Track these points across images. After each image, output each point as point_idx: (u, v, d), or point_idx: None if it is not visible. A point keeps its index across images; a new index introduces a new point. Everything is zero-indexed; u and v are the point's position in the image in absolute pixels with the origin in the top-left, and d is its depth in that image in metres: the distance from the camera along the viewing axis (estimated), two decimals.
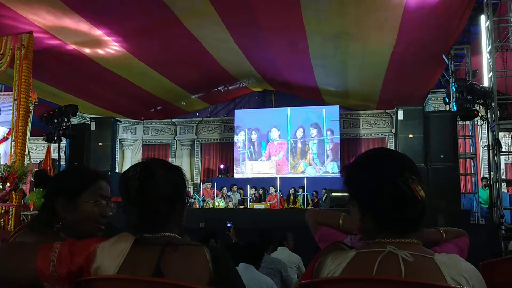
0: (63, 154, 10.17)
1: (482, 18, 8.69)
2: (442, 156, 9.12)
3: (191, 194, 11.95)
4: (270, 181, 12.53)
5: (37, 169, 8.71)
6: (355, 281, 1.20)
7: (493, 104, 8.26)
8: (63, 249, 1.35)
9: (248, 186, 12.04)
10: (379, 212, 1.25)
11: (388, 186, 1.22)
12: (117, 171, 10.94)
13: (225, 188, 12.14)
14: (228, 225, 5.33)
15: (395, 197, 1.21)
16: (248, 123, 14.79)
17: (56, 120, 9.22)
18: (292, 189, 12.21)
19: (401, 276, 1.16)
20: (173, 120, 16.18)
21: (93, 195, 1.67)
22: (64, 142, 10.00)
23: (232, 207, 11.43)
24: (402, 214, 1.22)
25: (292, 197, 12.13)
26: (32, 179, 8.64)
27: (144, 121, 16.18)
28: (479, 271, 1.22)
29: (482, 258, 2.19)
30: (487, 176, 9.21)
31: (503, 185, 8.92)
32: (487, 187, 9.48)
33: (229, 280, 1.37)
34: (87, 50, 10.31)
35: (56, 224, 1.63)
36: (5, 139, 8.92)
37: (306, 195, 11.41)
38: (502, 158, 8.77)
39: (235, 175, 14.41)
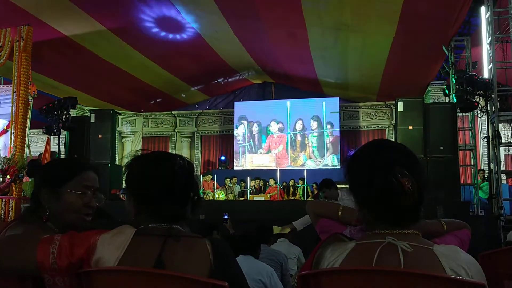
0: (63, 146, 10.18)
1: (482, 9, 8.66)
2: (441, 148, 9.12)
3: None
4: (270, 173, 12.55)
5: (30, 159, 8.69)
6: (354, 272, 1.21)
7: (493, 95, 8.25)
8: (63, 241, 1.36)
9: (249, 178, 12.06)
10: (370, 204, 1.26)
11: (378, 180, 1.23)
12: (116, 163, 10.93)
13: (228, 179, 12.19)
14: (225, 217, 5.33)
15: (383, 190, 1.22)
16: (247, 115, 14.77)
17: (55, 113, 9.20)
18: (292, 180, 12.24)
19: (400, 267, 1.17)
20: (172, 112, 16.16)
21: (77, 186, 1.65)
22: (63, 134, 9.99)
23: (232, 199, 11.45)
24: (392, 207, 1.23)
25: (292, 189, 12.15)
26: None
27: (144, 113, 16.15)
28: (478, 262, 1.22)
29: (481, 249, 2.20)
30: (486, 168, 9.23)
31: (503, 176, 8.93)
32: (485, 178, 9.50)
33: (230, 272, 1.38)
34: (86, 43, 10.27)
35: (43, 214, 1.63)
36: (4, 131, 8.91)
37: (306, 187, 11.43)
38: (501, 149, 8.77)
39: (235, 168, 14.42)
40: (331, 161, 13.93)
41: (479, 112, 8.77)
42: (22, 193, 8.11)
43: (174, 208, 1.41)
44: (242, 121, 14.75)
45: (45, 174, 1.69)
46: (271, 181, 12.04)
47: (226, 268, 1.37)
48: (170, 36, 10.73)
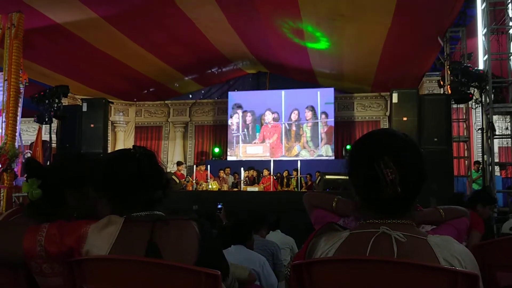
0: (55, 135, 10.10)
1: (478, 0, 8.63)
2: (435, 139, 9.12)
3: (185, 176, 11.94)
4: (264, 163, 12.55)
5: (28, 157, 8.63)
6: (348, 262, 1.21)
7: (487, 87, 8.25)
8: (51, 229, 1.36)
9: (242, 168, 12.05)
10: (362, 193, 1.27)
11: (363, 169, 1.22)
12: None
13: (222, 170, 12.18)
14: (219, 206, 5.32)
15: (366, 180, 1.22)
16: (242, 105, 14.75)
17: (47, 101, 9.11)
18: (286, 171, 12.24)
19: (394, 256, 1.16)
20: (166, 102, 16.11)
21: None
22: (55, 123, 9.91)
23: (225, 189, 11.45)
24: (379, 197, 1.22)
25: (285, 180, 12.17)
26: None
27: (137, 102, 16.09)
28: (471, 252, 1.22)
29: None
30: (480, 160, 9.26)
31: (496, 168, 8.96)
32: (480, 171, 9.55)
33: (214, 253, 1.46)
34: (79, 30, 10.17)
35: (71, 215, 1.64)
36: None
37: (300, 177, 11.44)
38: (495, 141, 8.79)
39: (229, 158, 14.42)
40: (325, 151, 13.95)
41: (473, 103, 8.78)
42: (14, 183, 8.06)
43: (149, 194, 1.47)
44: (237, 111, 14.72)
45: (66, 175, 1.69)
46: (265, 172, 12.04)
47: (211, 249, 1.44)
48: (164, 24, 10.64)
